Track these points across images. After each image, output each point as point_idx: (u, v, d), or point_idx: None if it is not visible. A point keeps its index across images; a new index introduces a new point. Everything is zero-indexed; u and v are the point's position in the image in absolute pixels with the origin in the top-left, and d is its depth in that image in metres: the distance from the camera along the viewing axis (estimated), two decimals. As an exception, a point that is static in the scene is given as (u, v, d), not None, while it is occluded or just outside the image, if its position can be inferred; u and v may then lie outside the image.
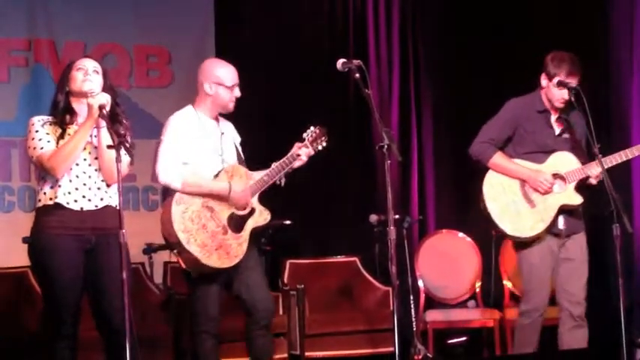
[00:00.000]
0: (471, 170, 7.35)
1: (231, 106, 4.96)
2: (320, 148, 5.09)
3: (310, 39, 7.64)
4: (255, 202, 4.91)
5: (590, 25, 7.03)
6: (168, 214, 4.69)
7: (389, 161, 4.56)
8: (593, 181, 5.10)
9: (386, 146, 4.54)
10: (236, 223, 4.84)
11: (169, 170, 4.71)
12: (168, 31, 7.40)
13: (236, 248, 4.80)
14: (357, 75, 4.62)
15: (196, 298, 4.84)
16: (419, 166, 7.78)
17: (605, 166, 4.98)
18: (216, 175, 4.84)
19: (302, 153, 4.99)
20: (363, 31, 7.76)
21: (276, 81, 7.44)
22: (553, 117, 5.24)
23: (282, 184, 5.01)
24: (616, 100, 6.89)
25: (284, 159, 4.96)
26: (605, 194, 4.87)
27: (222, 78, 4.90)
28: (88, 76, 4.42)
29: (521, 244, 5.20)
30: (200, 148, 4.83)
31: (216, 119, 4.99)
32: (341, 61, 4.72)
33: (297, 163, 4.99)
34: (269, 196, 5.82)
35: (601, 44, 6.93)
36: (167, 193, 4.81)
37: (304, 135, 5.05)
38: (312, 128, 5.08)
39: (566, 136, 5.20)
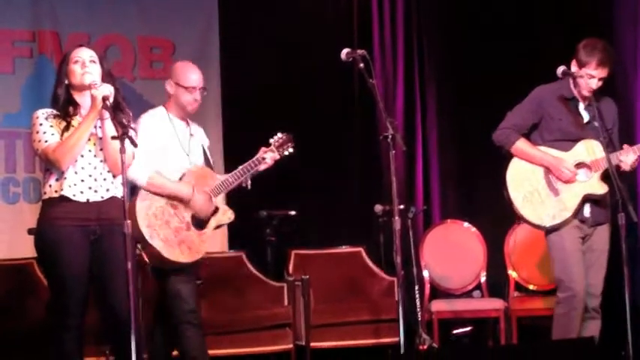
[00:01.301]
0: (475, 160, 7.40)
1: (189, 108, 5.07)
2: (286, 153, 5.25)
3: (314, 30, 7.63)
4: (219, 201, 5.06)
5: (594, 22, 7.00)
6: (132, 210, 4.77)
7: (393, 151, 4.58)
8: (626, 167, 5.01)
9: (390, 136, 4.56)
10: (199, 221, 4.98)
11: (136, 167, 4.73)
12: (172, 22, 7.39)
13: (198, 244, 4.95)
14: (362, 65, 4.62)
15: (171, 294, 4.93)
16: (424, 156, 7.76)
17: (638, 154, 5.00)
18: (184, 175, 4.97)
19: (267, 157, 5.16)
20: (368, 21, 7.74)
21: (279, 71, 7.43)
22: (582, 105, 5.15)
23: (249, 186, 5.15)
24: (621, 97, 6.86)
25: (249, 162, 5.12)
26: (611, 183, 4.87)
27: (181, 79, 5.04)
28: (86, 68, 4.41)
29: (551, 230, 5.13)
30: (168, 147, 4.97)
31: (186, 121, 5.12)
32: (345, 50, 4.73)
33: (262, 167, 5.16)
34: (273, 188, 5.84)
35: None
36: (134, 190, 4.91)
37: (271, 140, 5.22)
38: (279, 135, 5.25)
39: (595, 124, 5.05)
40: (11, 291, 6.28)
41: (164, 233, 4.84)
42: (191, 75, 5.05)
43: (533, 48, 7.28)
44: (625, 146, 5.08)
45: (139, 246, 4.81)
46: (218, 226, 5.09)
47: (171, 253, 4.84)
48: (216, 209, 5.03)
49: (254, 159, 5.13)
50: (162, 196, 4.88)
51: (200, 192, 4.95)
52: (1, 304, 6.17)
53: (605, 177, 5.06)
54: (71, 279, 4.33)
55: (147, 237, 4.79)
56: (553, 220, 5.10)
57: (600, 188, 5.09)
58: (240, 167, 5.10)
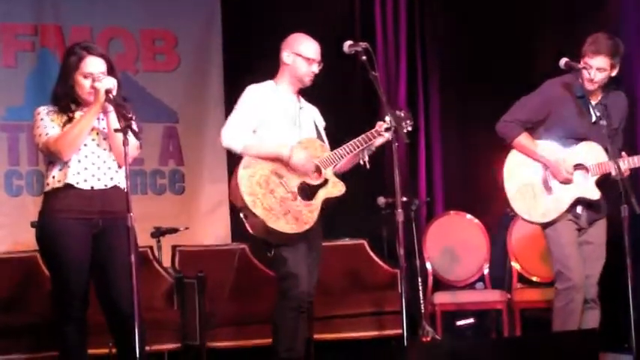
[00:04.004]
0: (478, 151, 7.39)
1: (306, 80, 4.94)
2: (405, 131, 4.91)
3: (317, 22, 7.60)
4: (329, 173, 4.88)
5: (600, 17, 6.98)
6: (235, 179, 4.71)
7: (396, 143, 4.57)
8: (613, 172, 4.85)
9: (393, 129, 4.54)
10: (307, 192, 4.82)
11: (233, 134, 4.73)
12: (174, 15, 7.39)
13: (307, 215, 4.78)
14: (364, 57, 4.62)
15: (281, 273, 4.80)
16: (426, 149, 7.76)
17: (635, 166, 4.97)
18: (292, 147, 4.80)
19: (385, 130, 4.87)
20: (370, 13, 7.73)
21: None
22: (592, 102, 5.04)
23: (367, 164, 4.97)
24: (625, 92, 6.84)
25: (363, 135, 4.92)
26: (605, 190, 4.87)
27: (302, 49, 4.92)
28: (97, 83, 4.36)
29: (546, 225, 5.12)
30: (274, 121, 4.82)
31: (297, 95, 4.98)
32: (348, 43, 4.73)
33: (379, 140, 4.93)
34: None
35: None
36: (234, 163, 4.80)
37: (386, 117, 4.89)
38: (397, 112, 4.91)
39: (602, 123, 4.93)
40: (15, 284, 6.29)
41: (268, 202, 4.66)
42: (313, 47, 4.92)
43: (538, 39, 7.26)
44: (623, 154, 5.04)
45: (241, 215, 4.72)
46: (327, 199, 4.84)
47: (275, 223, 4.65)
48: (326, 181, 4.84)
49: (369, 132, 4.91)
50: (267, 162, 4.71)
51: (300, 150, 4.75)
52: (5, 297, 6.19)
53: (601, 183, 5.03)
54: (72, 271, 4.35)
55: (249, 205, 4.62)
56: (542, 217, 5.10)
57: (594, 194, 5.05)
58: (354, 140, 4.91)
